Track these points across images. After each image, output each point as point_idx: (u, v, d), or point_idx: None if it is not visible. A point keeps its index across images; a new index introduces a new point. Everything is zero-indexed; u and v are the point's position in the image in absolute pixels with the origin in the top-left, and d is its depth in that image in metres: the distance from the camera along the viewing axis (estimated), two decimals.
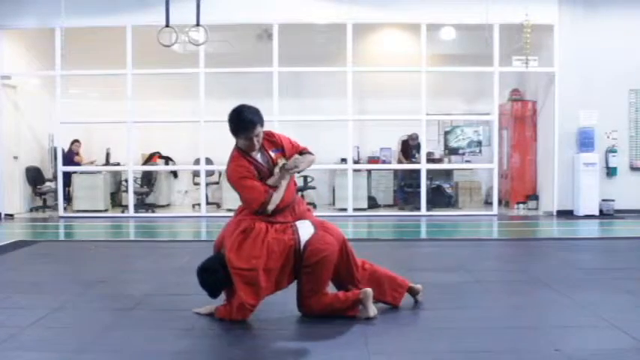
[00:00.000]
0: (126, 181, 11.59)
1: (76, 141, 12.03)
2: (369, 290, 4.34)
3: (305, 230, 4.33)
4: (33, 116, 12.10)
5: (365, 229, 10.31)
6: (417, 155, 11.71)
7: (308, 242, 4.28)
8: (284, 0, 11.20)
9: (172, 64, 11.49)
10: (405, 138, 11.98)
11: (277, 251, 4.22)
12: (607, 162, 11.05)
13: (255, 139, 4.31)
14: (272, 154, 4.42)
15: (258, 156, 4.40)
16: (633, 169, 11.16)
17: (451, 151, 12.23)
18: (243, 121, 4.28)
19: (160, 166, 12.36)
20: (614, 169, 11.07)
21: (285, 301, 4.58)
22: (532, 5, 10.77)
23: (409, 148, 11.94)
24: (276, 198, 4.32)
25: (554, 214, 11.07)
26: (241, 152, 4.38)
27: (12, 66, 11.53)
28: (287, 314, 4.46)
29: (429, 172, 11.57)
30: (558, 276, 5.79)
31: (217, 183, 12.25)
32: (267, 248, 4.21)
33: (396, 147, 12.29)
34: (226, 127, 4.40)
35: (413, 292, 4.72)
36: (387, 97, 12.24)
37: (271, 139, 4.47)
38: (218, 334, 4.14)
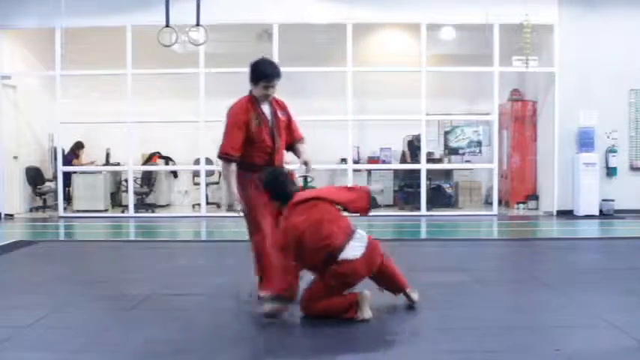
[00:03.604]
0: (126, 181, 11.58)
1: (79, 145, 12.02)
2: (367, 293, 4.36)
3: (354, 248, 4.34)
4: (33, 116, 12.09)
5: (365, 229, 10.25)
6: (418, 155, 11.71)
7: (344, 261, 4.25)
8: (284, 0, 11.20)
9: (172, 64, 11.47)
10: (410, 138, 11.95)
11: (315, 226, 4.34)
12: (607, 162, 11.04)
13: (272, 89, 4.81)
14: (279, 115, 4.91)
15: (265, 106, 4.86)
16: (633, 169, 11.15)
17: (451, 151, 12.22)
18: (274, 69, 4.80)
19: (159, 166, 12.35)
20: (614, 169, 11.06)
21: None
22: (532, 5, 10.75)
23: (413, 149, 11.92)
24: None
25: (554, 214, 11.06)
26: (253, 99, 4.82)
27: (12, 66, 11.54)
28: (287, 314, 4.45)
29: (429, 172, 11.55)
30: (558, 276, 5.80)
31: (217, 183, 12.23)
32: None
33: (402, 146, 12.22)
34: None
35: (407, 298, 4.70)
36: (387, 97, 12.21)
37: (279, 102, 5.00)
38: (218, 334, 4.14)
